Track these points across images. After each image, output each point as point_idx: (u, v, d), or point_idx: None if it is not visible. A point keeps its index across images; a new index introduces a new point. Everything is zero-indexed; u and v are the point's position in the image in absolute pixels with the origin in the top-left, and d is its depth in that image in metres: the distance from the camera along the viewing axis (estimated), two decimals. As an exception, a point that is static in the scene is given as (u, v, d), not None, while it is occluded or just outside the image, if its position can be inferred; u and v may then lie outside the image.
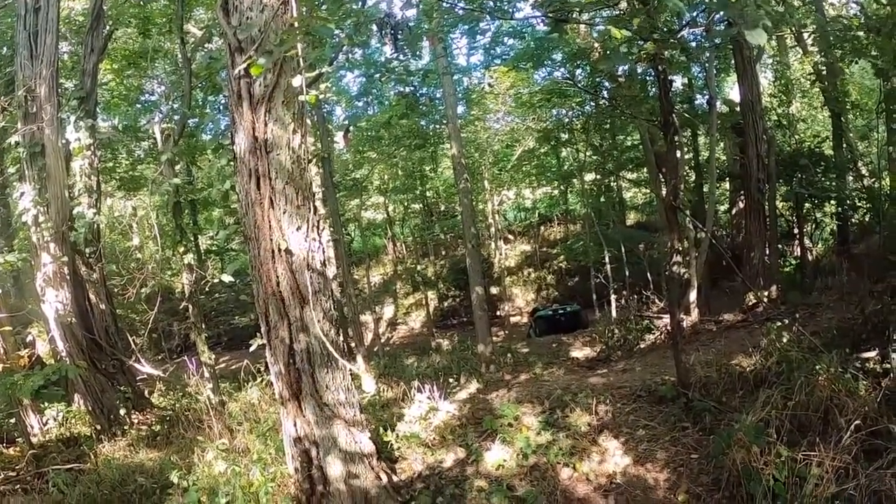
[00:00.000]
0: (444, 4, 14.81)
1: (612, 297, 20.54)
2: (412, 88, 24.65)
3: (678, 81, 19.41)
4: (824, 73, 19.47)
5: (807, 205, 19.47)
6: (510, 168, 30.19)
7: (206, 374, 12.14)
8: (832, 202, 19.15)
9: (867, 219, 19.64)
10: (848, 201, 18.80)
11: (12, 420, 11.24)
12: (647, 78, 16.90)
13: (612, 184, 28.61)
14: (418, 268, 33.98)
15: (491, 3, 12.94)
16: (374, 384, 12.60)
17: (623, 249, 22.63)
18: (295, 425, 6.80)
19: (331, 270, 17.56)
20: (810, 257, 20.12)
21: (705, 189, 20.45)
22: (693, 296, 15.45)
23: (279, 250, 6.33)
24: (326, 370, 6.64)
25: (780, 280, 16.48)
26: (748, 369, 9.18)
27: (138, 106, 24.05)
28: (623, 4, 8.76)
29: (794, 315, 11.18)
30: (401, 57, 20.38)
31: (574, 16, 9.63)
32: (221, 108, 21.60)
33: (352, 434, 6.82)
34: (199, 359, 12.27)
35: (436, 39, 18.02)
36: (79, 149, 12.42)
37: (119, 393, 12.23)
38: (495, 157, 30.65)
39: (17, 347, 12.11)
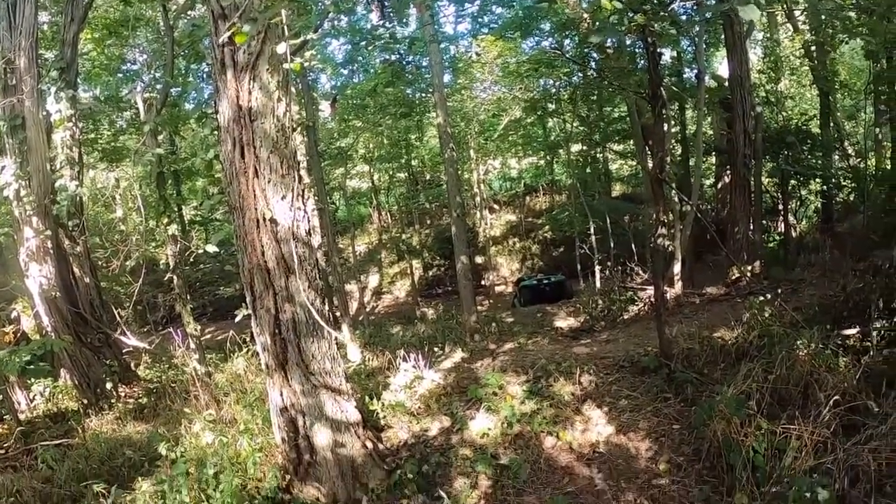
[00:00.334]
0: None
1: (597, 267, 20.62)
2: (398, 56, 24.43)
3: (667, 55, 19.39)
4: (814, 51, 19.51)
5: (792, 182, 19.56)
6: (496, 137, 30.03)
7: (192, 346, 12.11)
8: (817, 180, 19.29)
9: (851, 198, 19.86)
10: (833, 180, 18.99)
11: (-1, 397, 11.21)
12: (636, 50, 16.83)
13: (598, 155, 28.64)
14: (403, 237, 33.83)
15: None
16: (359, 353, 12.67)
17: (608, 221, 22.68)
18: (281, 395, 6.81)
19: (316, 240, 17.52)
20: (794, 234, 20.27)
21: (691, 163, 20.51)
22: (677, 268, 15.58)
23: (264, 220, 6.28)
24: (312, 339, 6.65)
25: (764, 255, 16.63)
26: (730, 342, 9.30)
27: (120, 76, 23.62)
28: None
29: (776, 290, 11.29)
30: (387, 24, 20.21)
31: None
32: (205, 76, 21.35)
33: (338, 403, 6.86)
34: (185, 330, 12.23)
35: (423, 7, 17.82)
36: (60, 120, 12.19)
37: (105, 366, 12.17)
38: (481, 126, 30.44)
39: (1, 324, 12.07)
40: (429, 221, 35.71)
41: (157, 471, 7.48)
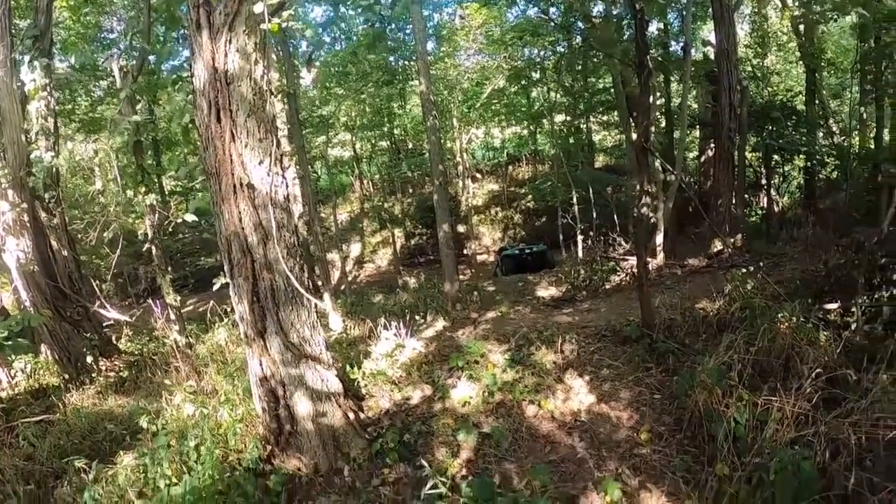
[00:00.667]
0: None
1: (579, 237, 20.64)
2: (379, 17, 24.08)
3: (653, 27, 19.29)
4: (802, 27, 19.46)
5: (776, 157, 19.64)
6: (479, 106, 29.84)
7: (172, 317, 11.99)
8: (801, 157, 19.31)
9: (834, 176, 19.95)
10: (817, 157, 19.02)
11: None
12: (623, 20, 16.65)
13: (581, 126, 28.48)
14: (385, 206, 33.72)
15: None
16: (341, 322, 12.61)
17: (591, 191, 22.66)
18: (261, 364, 6.70)
19: (297, 208, 17.39)
20: (776, 209, 20.39)
21: (676, 135, 20.43)
22: (659, 239, 15.62)
23: (241, 185, 6.09)
24: (291, 308, 6.52)
25: (746, 229, 16.71)
26: (712, 314, 9.34)
27: (96, 44, 23.09)
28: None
29: (758, 263, 11.34)
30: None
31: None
32: (182, 41, 20.86)
33: (318, 372, 6.77)
34: (165, 301, 12.09)
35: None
36: (35, 90, 11.86)
37: (85, 340, 12.05)
38: (465, 95, 30.25)
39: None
40: (411, 190, 35.56)
41: (139, 444, 7.43)
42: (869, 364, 6.45)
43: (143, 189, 11.80)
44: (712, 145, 18.65)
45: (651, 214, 15.20)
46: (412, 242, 33.02)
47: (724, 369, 6.89)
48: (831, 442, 5.55)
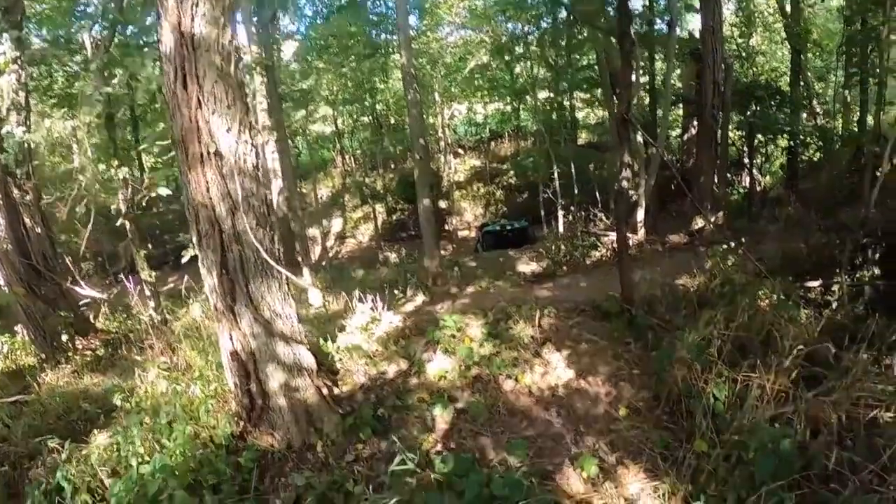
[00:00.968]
0: None
1: (560, 213, 20.53)
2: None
3: (638, 2, 19.12)
4: (788, 7, 19.37)
5: (759, 137, 19.58)
6: (461, 81, 29.55)
7: (148, 293, 11.78)
8: (784, 137, 19.29)
9: (817, 157, 19.97)
10: (800, 137, 18.98)
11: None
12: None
13: (565, 102, 28.29)
14: (367, 181, 33.42)
15: None
16: (320, 297, 12.46)
17: (573, 167, 22.53)
18: (231, 339, 6.48)
19: (277, 183, 17.14)
20: (758, 188, 20.39)
21: (659, 113, 20.32)
22: (641, 215, 15.56)
23: (208, 154, 5.82)
24: (262, 280, 6.30)
25: (728, 207, 16.70)
26: (692, 289, 9.29)
27: (71, 18, 22.45)
28: None
29: (739, 240, 11.30)
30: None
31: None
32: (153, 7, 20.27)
33: (290, 346, 6.57)
34: (140, 277, 11.87)
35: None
36: (5, 63, 11.50)
37: (60, 319, 11.79)
38: (447, 69, 29.93)
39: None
40: (393, 166, 35.27)
41: (114, 423, 7.27)
42: (850, 343, 6.39)
43: (115, 163, 11.51)
44: (695, 123, 18.56)
45: (632, 191, 15.11)
46: (394, 218, 32.75)
47: (703, 345, 6.81)
48: (811, 420, 5.47)
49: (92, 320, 12.91)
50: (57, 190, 12.76)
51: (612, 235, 14.44)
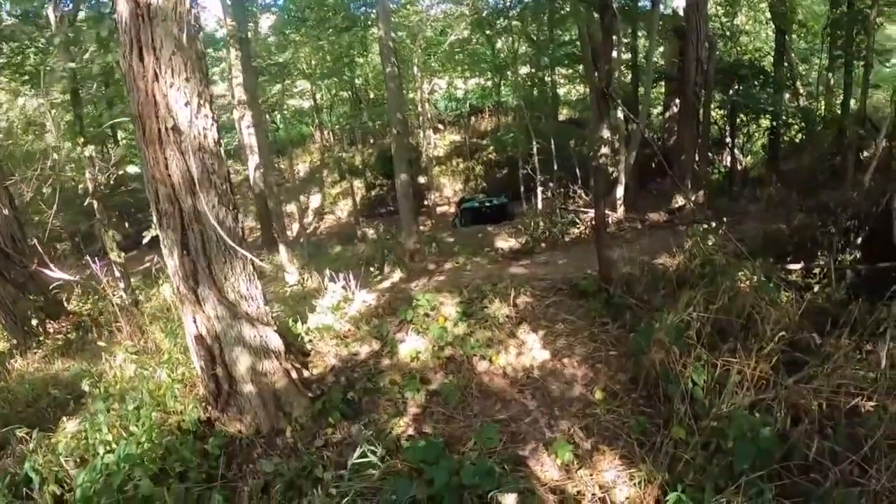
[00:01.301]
0: None
1: (539, 189, 20.36)
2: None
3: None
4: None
5: (741, 116, 19.48)
6: (441, 54, 29.13)
7: (118, 274, 11.49)
8: (767, 116, 19.17)
9: (798, 138, 19.93)
10: (783, 118, 18.89)
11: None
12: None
13: (546, 78, 28.01)
14: (345, 156, 33.02)
15: None
16: (296, 275, 12.21)
17: (553, 144, 22.32)
18: (195, 322, 6.23)
19: (253, 159, 16.78)
20: (739, 167, 20.35)
21: (640, 91, 20.12)
22: (620, 192, 15.43)
23: (166, 129, 5.53)
24: (225, 261, 6.02)
25: (708, 186, 16.60)
26: (671, 269, 9.13)
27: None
28: None
29: (720, 220, 11.17)
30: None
31: None
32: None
33: (256, 329, 6.32)
34: (109, 258, 11.57)
35: None
36: None
37: (30, 302, 11.52)
38: (428, 43, 29.48)
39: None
40: (372, 141, 34.89)
41: (83, 409, 7.09)
42: (832, 328, 6.27)
43: (81, 140, 11.14)
44: (677, 101, 18.41)
45: (612, 170, 14.95)
46: (372, 193, 32.49)
47: (682, 327, 6.64)
48: (791, 408, 5.34)
49: (65, 303, 12.64)
50: (28, 169, 12.43)
51: (592, 212, 14.31)
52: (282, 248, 14.55)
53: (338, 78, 30.71)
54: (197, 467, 5.89)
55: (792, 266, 8.45)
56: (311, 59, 28.82)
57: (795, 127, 19.88)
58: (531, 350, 7.68)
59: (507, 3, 23.65)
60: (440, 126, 35.17)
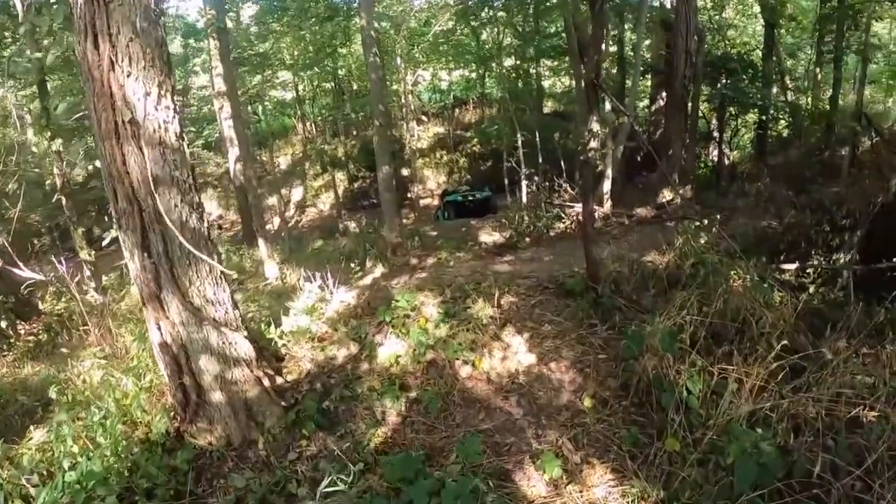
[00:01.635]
0: None
1: (524, 182, 20.08)
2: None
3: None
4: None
5: (730, 109, 19.27)
6: (425, 44, 28.77)
7: (88, 273, 11.06)
8: (755, 111, 19.03)
9: (786, 133, 19.81)
10: (771, 112, 18.73)
11: None
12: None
13: (531, 70, 27.74)
14: (328, 148, 32.62)
15: None
16: (276, 271, 11.84)
17: (538, 136, 22.04)
18: (159, 329, 5.85)
19: (233, 152, 16.35)
20: (726, 162, 20.16)
21: (628, 84, 19.88)
22: (607, 187, 15.18)
23: (123, 122, 5.14)
24: (189, 263, 5.62)
25: (696, 180, 16.39)
26: (661, 268, 8.82)
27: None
28: None
29: (711, 216, 10.91)
30: None
31: None
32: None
33: (224, 335, 5.92)
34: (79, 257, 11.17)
35: None
36: None
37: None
38: (411, 33, 29.10)
39: None
40: (355, 132, 34.59)
41: (50, 417, 6.66)
42: (830, 332, 5.99)
43: (48, 134, 10.70)
44: (664, 94, 18.17)
45: (599, 163, 14.67)
46: (355, 186, 32.19)
47: (675, 331, 6.32)
48: (791, 418, 5.03)
49: (39, 303, 12.21)
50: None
51: (577, 207, 14.03)
52: (261, 242, 14.19)
53: (320, 69, 30.44)
54: (164, 484, 5.53)
55: (786, 266, 8.19)
56: (292, 49, 28.41)
57: (783, 122, 19.76)
58: (516, 353, 7.34)
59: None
60: (424, 118, 34.84)
